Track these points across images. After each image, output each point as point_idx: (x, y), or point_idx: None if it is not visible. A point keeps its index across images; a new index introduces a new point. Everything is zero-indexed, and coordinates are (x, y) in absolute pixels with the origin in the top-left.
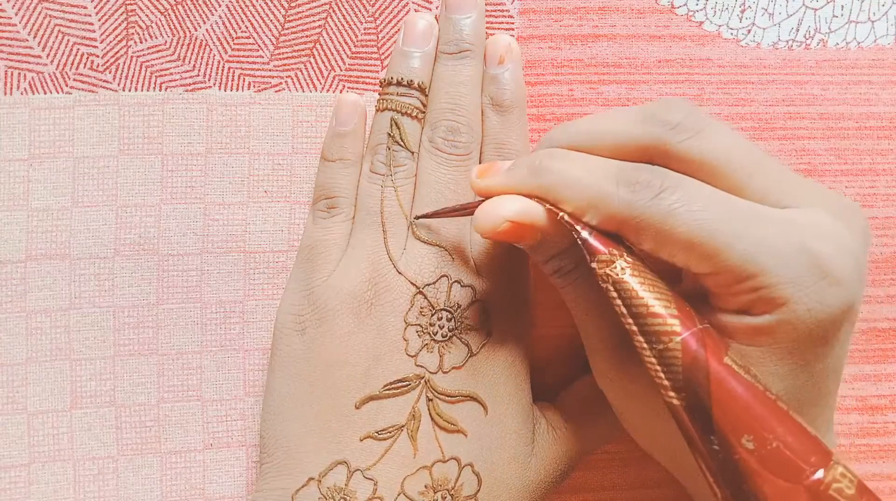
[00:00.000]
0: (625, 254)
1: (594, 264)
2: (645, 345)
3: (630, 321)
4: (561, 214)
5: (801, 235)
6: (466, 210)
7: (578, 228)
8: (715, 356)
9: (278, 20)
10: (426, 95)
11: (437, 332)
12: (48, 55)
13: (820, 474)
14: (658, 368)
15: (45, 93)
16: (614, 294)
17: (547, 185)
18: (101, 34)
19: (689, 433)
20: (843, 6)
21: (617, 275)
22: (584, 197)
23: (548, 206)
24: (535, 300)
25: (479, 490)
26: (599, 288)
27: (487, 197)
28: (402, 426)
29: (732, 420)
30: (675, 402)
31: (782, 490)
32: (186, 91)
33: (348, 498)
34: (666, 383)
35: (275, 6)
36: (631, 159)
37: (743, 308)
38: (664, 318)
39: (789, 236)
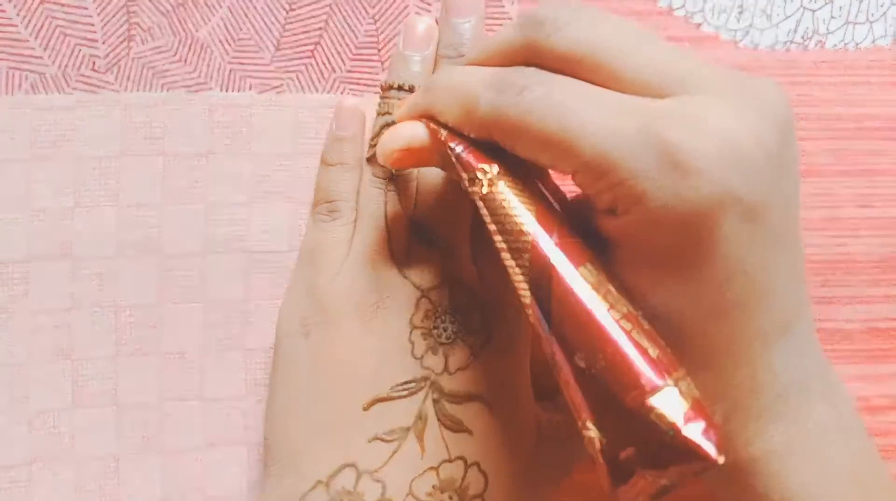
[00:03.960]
0: (495, 168)
1: (465, 182)
2: (511, 263)
3: (498, 238)
4: (441, 132)
5: (655, 123)
6: None
7: (452, 144)
8: (563, 271)
9: (279, 22)
10: None
11: (441, 334)
12: (50, 56)
13: (649, 397)
14: (525, 286)
15: (47, 94)
16: (484, 211)
17: (431, 101)
18: (103, 35)
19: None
20: (841, 7)
21: (484, 191)
22: (458, 106)
23: (432, 126)
24: None
25: (485, 490)
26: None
27: None
28: (409, 427)
29: (567, 338)
30: (531, 319)
31: (601, 411)
32: (188, 92)
33: None
34: (527, 300)
35: (276, 8)
36: (515, 66)
37: (609, 207)
38: (522, 233)
39: (641, 124)
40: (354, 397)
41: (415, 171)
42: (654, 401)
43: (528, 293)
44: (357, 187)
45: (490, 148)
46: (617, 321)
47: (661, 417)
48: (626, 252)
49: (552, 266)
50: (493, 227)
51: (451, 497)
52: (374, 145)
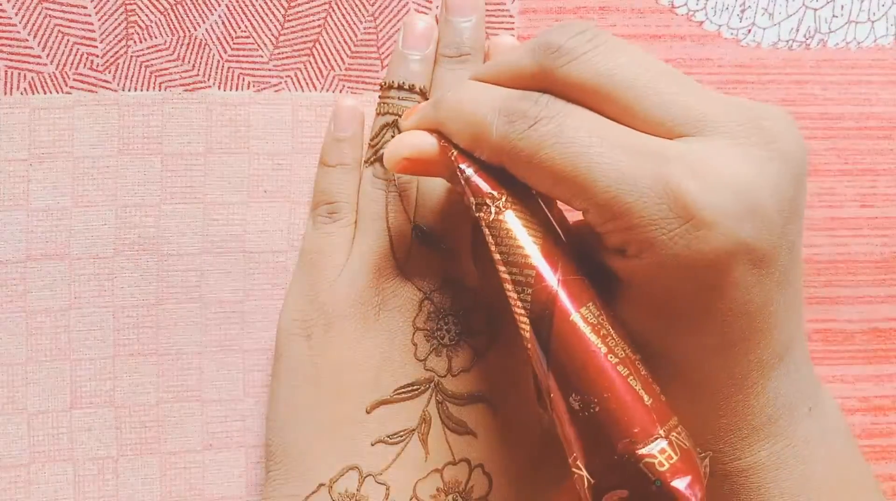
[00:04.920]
0: (504, 196)
1: (472, 207)
2: (513, 295)
3: (503, 268)
4: (452, 150)
5: (668, 170)
6: None
7: (463, 166)
8: (565, 310)
9: (278, 20)
10: (427, 99)
11: (444, 336)
12: (48, 55)
13: (640, 446)
14: (525, 320)
15: (45, 93)
16: (490, 239)
17: (442, 118)
18: (101, 34)
19: (537, 380)
20: (842, 6)
21: (491, 219)
22: (469, 130)
23: (442, 142)
24: None
25: (489, 491)
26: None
27: None
28: (413, 429)
29: (564, 378)
30: (530, 353)
31: (592, 453)
32: (186, 91)
33: None
34: (527, 335)
35: (274, 6)
36: (528, 89)
37: (619, 248)
38: (527, 267)
39: (656, 171)
40: (357, 399)
41: None
42: (645, 450)
43: (528, 328)
44: (357, 188)
45: (500, 171)
46: (614, 366)
47: (650, 466)
48: (632, 291)
49: (555, 304)
50: (497, 256)
51: (455, 500)
52: (374, 146)
